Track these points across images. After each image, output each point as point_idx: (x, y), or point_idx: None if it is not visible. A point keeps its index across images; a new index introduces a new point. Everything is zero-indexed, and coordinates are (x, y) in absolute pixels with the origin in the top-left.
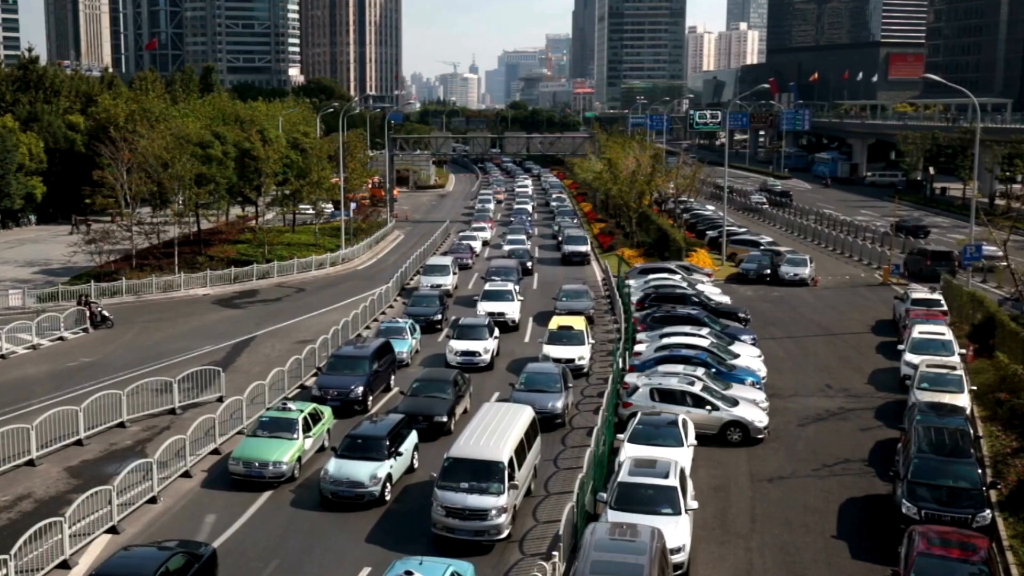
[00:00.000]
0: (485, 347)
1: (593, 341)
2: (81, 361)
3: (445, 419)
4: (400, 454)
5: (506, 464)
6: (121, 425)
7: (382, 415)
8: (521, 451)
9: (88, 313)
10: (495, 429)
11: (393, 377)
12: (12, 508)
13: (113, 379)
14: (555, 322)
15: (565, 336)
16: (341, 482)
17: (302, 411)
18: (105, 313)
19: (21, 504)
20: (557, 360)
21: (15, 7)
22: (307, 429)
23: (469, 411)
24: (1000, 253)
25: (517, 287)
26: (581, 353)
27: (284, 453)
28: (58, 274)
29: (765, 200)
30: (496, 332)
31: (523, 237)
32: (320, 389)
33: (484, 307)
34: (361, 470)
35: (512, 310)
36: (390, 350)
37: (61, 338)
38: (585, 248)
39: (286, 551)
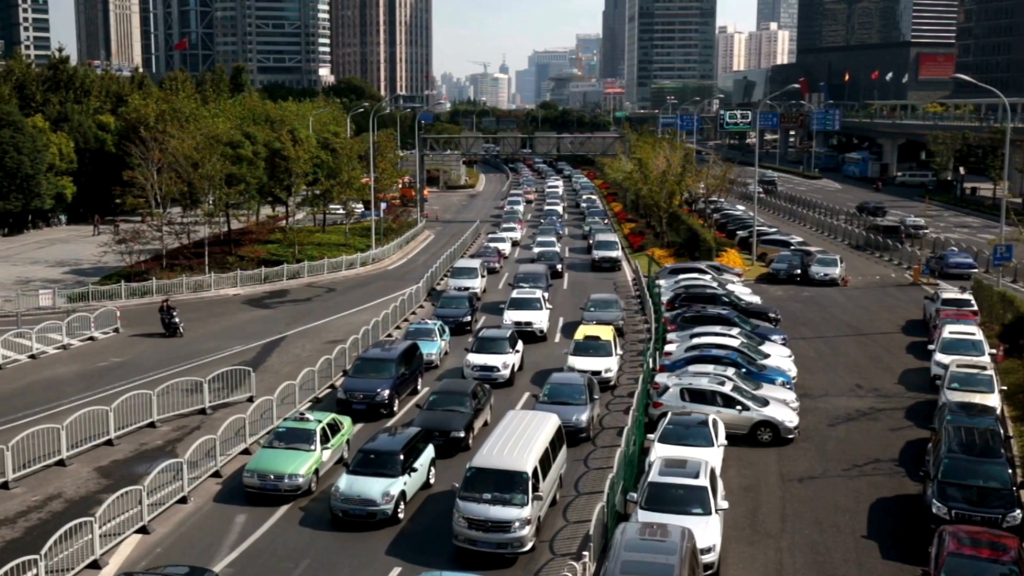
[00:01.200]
0: (504, 361)
1: (621, 352)
2: (111, 361)
3: (462, 434)
4: (415, 470)
5: (530, 474)
6: (151, 425)
7: (398, 428)
8: (546, 461)
9: (166, 319)
10: (519, 438)
11: (420, 380)
12: (43, 508)
13: (143, 379)
14: (581, 331)
15: (591, 347)
16: (352, 500)
17: (320, 421)
18: (178, 322)
19: (51, 504)
20: (582, 372)
21: (45, 7)
22: (325, 440)
23: (490, 423)
24: None
25: (546, 294)
26: (608, 365)
27: (300, 465)
28: (88, 274)
29: (762, 190)
30: (519, 345)
31: (553, 239)
32: (346, 392)
33: (510, 316)
34: (373, 487)
35: (540, 319)
36: (417, 352)
37: (91, 338)
38: (616, 254)
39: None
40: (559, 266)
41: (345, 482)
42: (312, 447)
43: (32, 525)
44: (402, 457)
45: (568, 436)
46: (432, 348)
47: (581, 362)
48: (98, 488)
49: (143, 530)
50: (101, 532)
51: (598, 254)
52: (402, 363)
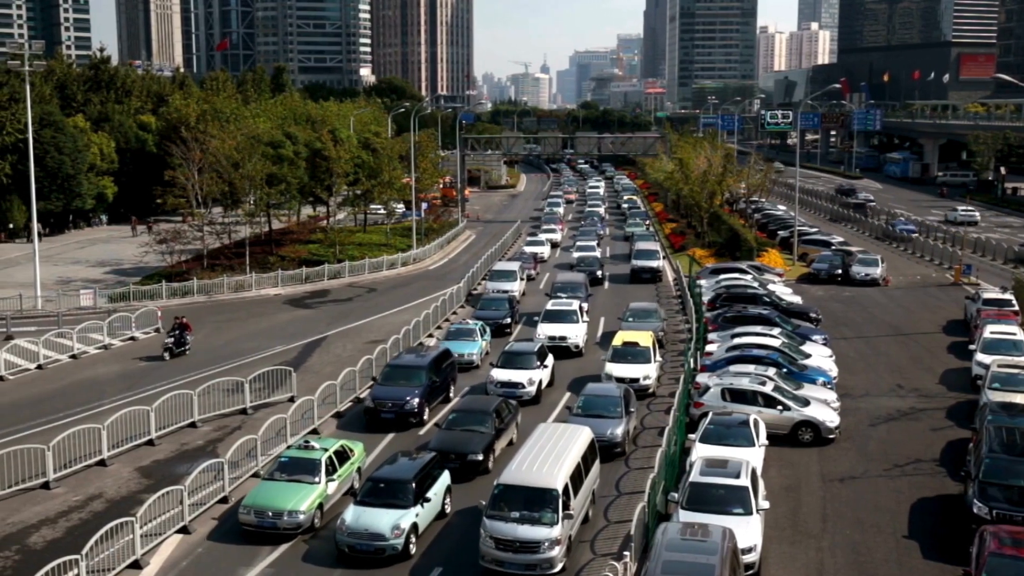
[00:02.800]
0: (530, 378)
1: (661, 359)
2: (152, 361)
3: (481, 457)
4: (428, 500)
5: (560, 492)
6: (192, 425)
7: (412, 452)
8: (578, 477)
9: (176, 332)
10: (550, 453)
11: (453, 387)
12: (84, 508)
13: (184, 379)
14: (619, 337)
15: (630, 353)
16: (359, 533)
17: (326, 450)
18: (188, 339)
19: (92, 504)
20: (620, 379)
21: (86, 7)
22: (332, 471)
23: (516, 442)
24: None
25: (585, 304)
26: (647, 372)
27: (302, 500)
28: (129, 274)
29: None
30: (548, 359)
31: (593, 243)
32: (374, 401)
33: (544, 330)
34: (382, 520)
35: (575, 333)
36: (450, 359)
37: (132, 338)
38: (656, 263)
39: None
40: (599, 272)
41: (352, 514)
42: (316, 479)
43: (73, 525)
44: (414, 486)
45: (602, 451)
46: (473, 348)
47: (619, 369)
48: (139, 488)
49: (184, 530)
50: (142, 532)
51: (637, 263)
52: (433, 370)
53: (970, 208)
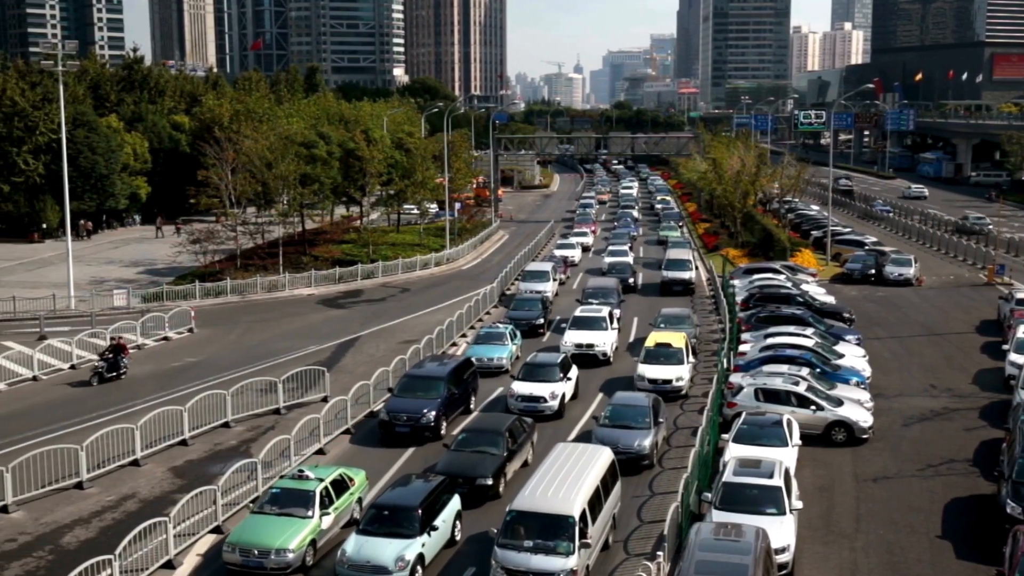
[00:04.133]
0: (553, 391)
1: (694, 360)
2: (186, 361)
3: (490, 482)
4: (436, 528)
5: (577, 519)
6: (226, 425)
7: (418, 476)
8: (596, 501)
9: (110, 355)
10: (566, 476)
11: (474, 397)
12: (117, 508)
13: (218, 379)
14: (652, 338)
15: (663, 354)
16: (360, 566)
17: (322, 480)
18: (125, 364)
19: (126, 504)
20: (653, 381)
21: (119, 7)
22: (328, 503)
23: (531, 463)
24: None
25: (618, 310)
26: (679, 373)
27: (292, 537)
28: (163, 274)
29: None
30: (572, 371)
31: (626, 248)
32: (389, 413)
33: (571, 337)
34: (385, 551)
35: (604, 341)
36: (471, 369)
37: (166, 338)
38: (689, 275)
39: None
40: (631, 279)
41: (353, 544)
42: (309, 513)
43: (107, 525)
44: (420, 513)
45: (629, 463)
46: (503, 353)
47: (651, 370)
48: (172, 488)
49: (217, 530)
50: (175, 532)
51: (668, 275)
52: (452, 381)
53: (920, 186)
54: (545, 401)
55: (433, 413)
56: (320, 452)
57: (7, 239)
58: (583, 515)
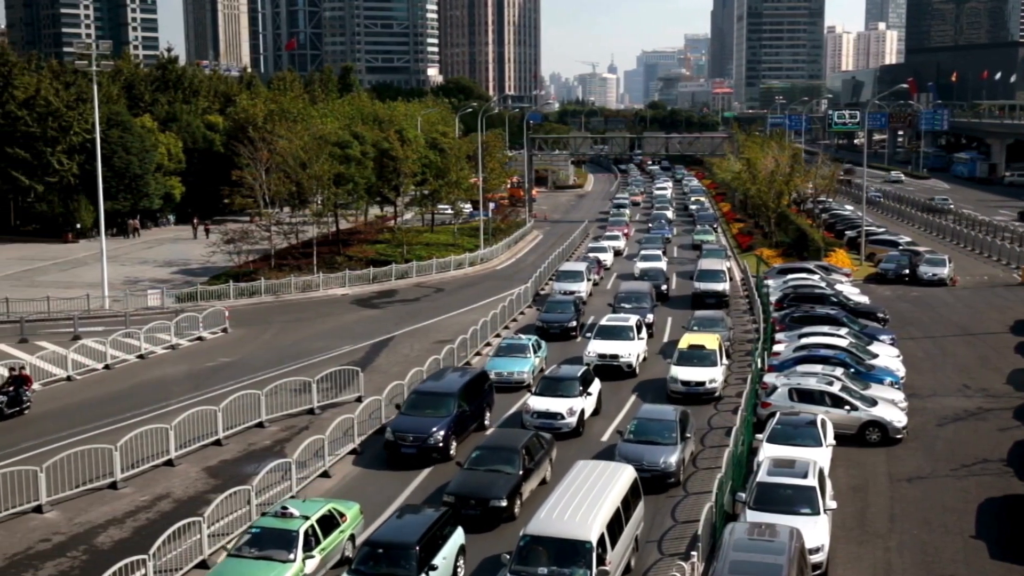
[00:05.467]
0: (571, 407)
1: (727, 362)
2: (220, 361)
3: (504, 503)
4: (435, 568)
5: (595, 544)
6: (260, 425)
7: (417, 507)
8: (616, 524)
9: (10, 388)
10: (585, 497)
11: (489, 413)
12: (151, 508)
13: (252, 379)
14: (685, 340)
15: (696, 356)
16: None
17: (307, 517)
18: (28, 398)
19: (160, 504)
20: (686, 383)
21: (154, 7)
22: (315, 543)
23: (549, 481)
24: None
25: (651, 316)
26: (713, 376)
27: None
28: (197, 274)
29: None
30: (594, 385)
31: (659, 252)
32: (394, 433)
33: (595, 347)
34: None
35: (629, 352)
36: (486, 384)
37: (200, 338)
38: (722, 287)
39: None
40: (665, 287)
41: None
42: (291, 556)
43: (141, 525)
44: (418, 550)
45: (654, 481)
46: (523, 366)
47: (684, 372)
48: (206, 488)
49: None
50: (209, 532)
51: (700, 286)
52: (464, 397)
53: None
54: (562, 418)
55: (441, 433)
56: (325, 475)
57: (41, 239)
58: (601, 539)
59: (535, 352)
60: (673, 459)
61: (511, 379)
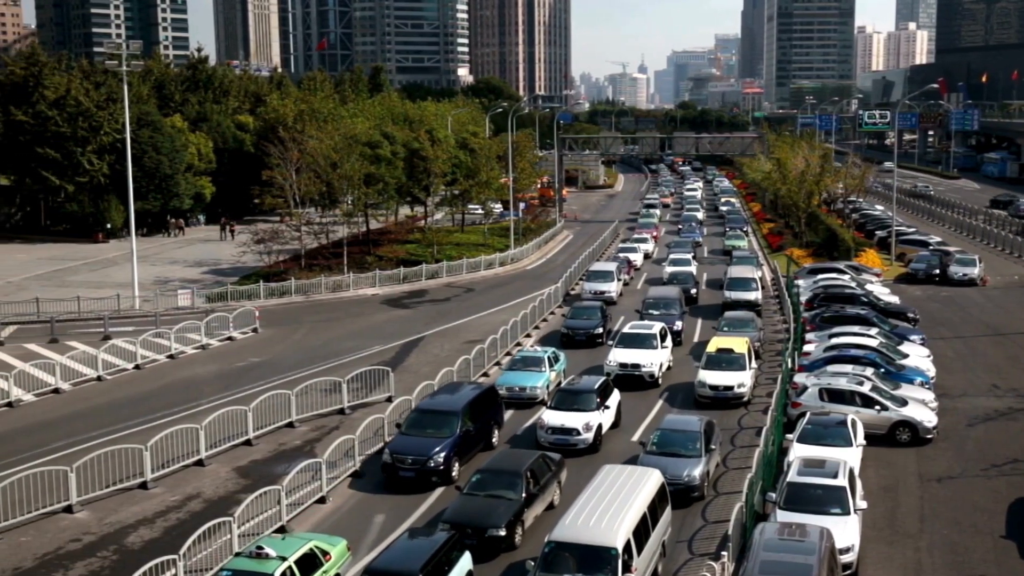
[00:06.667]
0: (587, 422)
1: (756, 366)
2: (250, 361)
3: (503, 532)
4: None
5: (620, 550)
6: (290, 425)
7: (424, 530)
8: (643, 529)
9: None
10: (611, 502)
11: (498, 431)
12: (181, 508)
13: (282, 379)
14: (714, 343)
15: (724, 360)
16: None
17: (285, 558)
18: None
19: (190, 504)
20: (714, 387)
21: (184, 7)
22: None
23: (557, 504)
24: None
25: (679, 323)
26: (741, 380)
27: None
28: (227, 274)
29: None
30: (612, 398)
31: (688, 256)
32: (392, 455)
33: (616, 356)
34: None
35: (652, 361)
36: (494, 399)
37: (230, 338)
38: (754, 295)
39: None
40: (694, 290)
41: None
42: None
43: (171, 525)
44: None
45: (678, 495)
46: (537, 381)
47: (712, 376)
48: (237, 488)
49: (282, 530)
50: (240, 532)
51: (731, 295)
52: (468, 416)
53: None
54: (578, 434)
55: (443, 455)
56: (321, 501)
57: (72, 239)
58: (627, 546)
59: (551, 365)
60: (697, 472)
61: (523, 395)
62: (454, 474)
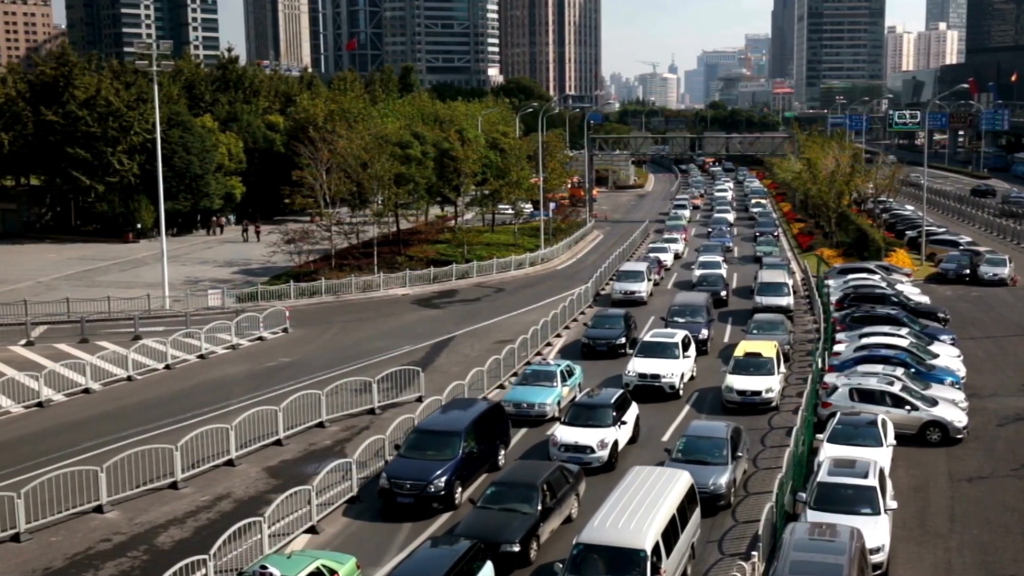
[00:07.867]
0: (602, 439)
1: (785, 370)
2: (280, 361)
3: (517, 548)
4: None
5: (649, 552)
6: (320, 425)
7: (446, 539)
8: (672, 531)
9: None
10: (640, 503)
11: (504, 451)
12: (212, 508)
13: (312, 379)
14: (742, 347)
15: (752, 364)
16: None
17: None
18: None
19: (220, 504)
20: (741, 392)
21: (214, 7)
22: None
23: (574, 517)
24: None
25: (706, 331)
26: (769, 384)
27: None
28: (257, 274)
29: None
30: (629, 413)
31: (718, 259)
32: (389, 479)
33: (635, 366)
34: None
35: (672, 372)
36: (500, 417)
37: (260, 338)
38: (786, 301)
39: None
40: (724, 293)
41: None
42: None
43: (201, 525)
44: None
45: (703, 504)
46: (547, 397)
47: (740, 381)
48: (267, 488)
49: (312, 530)
50: (270, 532)
51: (762, 300)
52: (472, 436)
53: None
54: (592, 451)
55: (444, 479)
56: (311, 531)
57: (102, 239)
58: (656, 548)
59: (564, 380)
60: (723, 480)
61: (531, 412)
62: (456, 499)
